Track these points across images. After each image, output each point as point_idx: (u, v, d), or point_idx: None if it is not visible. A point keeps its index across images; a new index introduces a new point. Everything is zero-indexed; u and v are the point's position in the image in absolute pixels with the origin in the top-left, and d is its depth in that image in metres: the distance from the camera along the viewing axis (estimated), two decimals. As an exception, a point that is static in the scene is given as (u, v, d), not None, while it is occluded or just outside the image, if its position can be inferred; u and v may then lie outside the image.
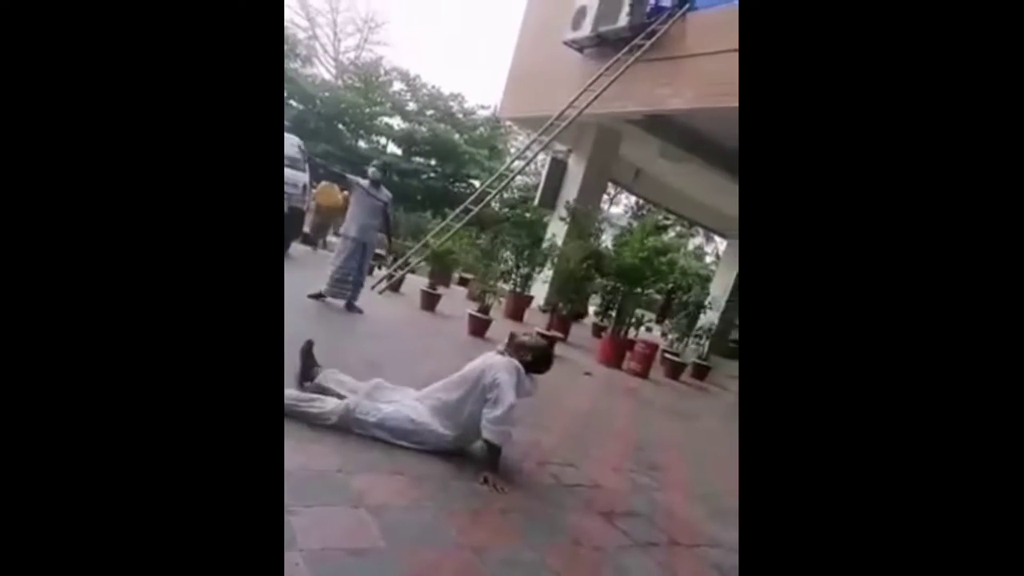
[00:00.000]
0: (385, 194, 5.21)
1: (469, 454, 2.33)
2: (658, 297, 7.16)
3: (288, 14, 20.66)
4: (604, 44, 8.07)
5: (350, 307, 5.01)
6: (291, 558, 1.35)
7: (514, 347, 2.41)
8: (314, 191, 11.16)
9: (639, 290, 6.53)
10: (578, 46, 8.56)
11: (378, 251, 7.00)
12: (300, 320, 3.89)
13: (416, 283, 7.15)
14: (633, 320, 6.54)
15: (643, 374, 6.03)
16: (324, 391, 2.39)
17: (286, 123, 8.84)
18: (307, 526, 1.51)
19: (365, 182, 5.09)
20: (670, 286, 7.23)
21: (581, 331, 8.23)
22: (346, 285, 4.99)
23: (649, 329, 7.65)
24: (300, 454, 1.90)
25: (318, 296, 4.94)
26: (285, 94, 19.92)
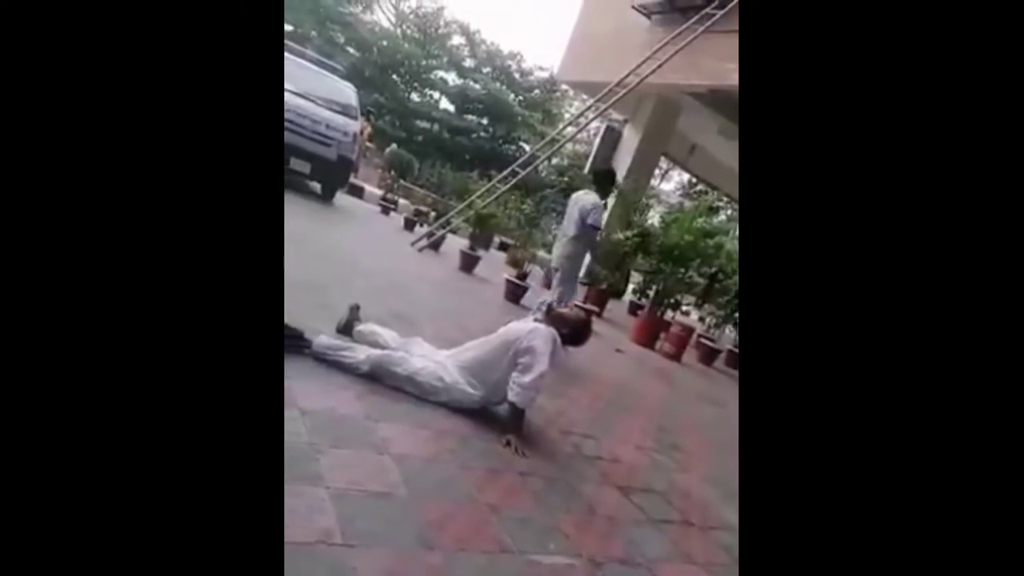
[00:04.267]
0: (601, 219, 4.29)
1: (493, 415, 2.37)
2: (700, 280, 6.97)
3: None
4: (673, 11, 7.71)
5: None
6: (317, 494, 1.43)
7: (552, 318, 2.41)
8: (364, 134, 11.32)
9: (682, 271, 6.39)
10: (647, 11, 8.19)
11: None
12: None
13: (456, 244, 7.20)
14: (671, 301, 6.42)
15: (676, 357, 5.96)
16: (361, 342, 2.47)
17: (342, 69, 8.87)
18: (333, 466, 1.58)
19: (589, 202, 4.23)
20: (714, 270, 7.02)
21: (618, 308, 8.16)
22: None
23: (687, 312, 7.51)
24: (329, 398, 1.97)
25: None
26: (343, 40, 19.90)
